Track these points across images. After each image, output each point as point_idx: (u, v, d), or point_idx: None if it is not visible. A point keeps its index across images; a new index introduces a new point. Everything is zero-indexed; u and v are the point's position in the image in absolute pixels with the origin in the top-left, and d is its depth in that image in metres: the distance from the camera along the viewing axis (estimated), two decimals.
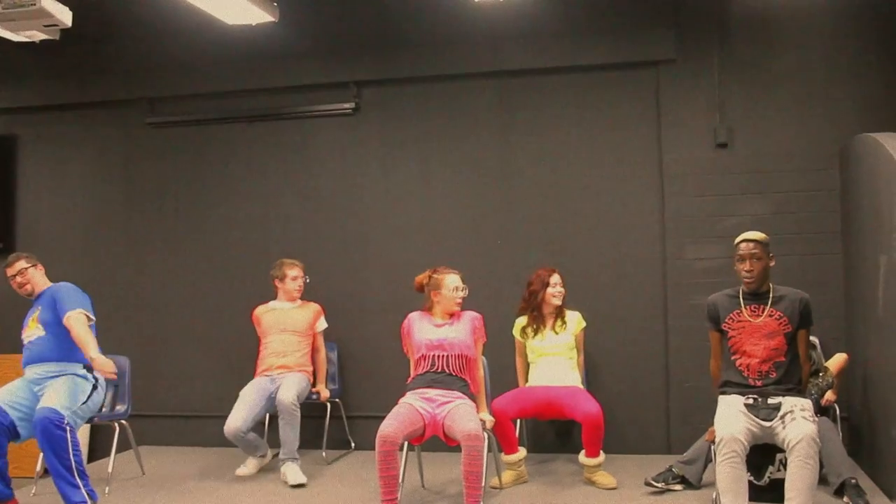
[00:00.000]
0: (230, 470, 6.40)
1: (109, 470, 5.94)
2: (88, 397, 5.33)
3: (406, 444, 5.11)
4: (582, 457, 5.70)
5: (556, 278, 6.04)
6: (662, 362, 6.56)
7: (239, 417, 6.06)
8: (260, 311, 6.65)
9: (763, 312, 4.69)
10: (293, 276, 6.60)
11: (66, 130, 7.67)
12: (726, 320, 4.77)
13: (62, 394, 5.17)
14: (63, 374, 5.31)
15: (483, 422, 5.13)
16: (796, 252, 6.34)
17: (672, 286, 6.54)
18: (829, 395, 5.51)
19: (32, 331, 5.46)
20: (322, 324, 6.67)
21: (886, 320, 5.21)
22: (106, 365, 5.10)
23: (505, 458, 5.74)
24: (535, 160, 6.86)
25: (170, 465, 6.65)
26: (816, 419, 4.58)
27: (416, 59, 7.00)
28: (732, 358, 4.72)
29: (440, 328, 5.25)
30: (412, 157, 7.08)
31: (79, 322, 5.26)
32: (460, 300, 5.32)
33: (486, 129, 6.95)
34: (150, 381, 7.03)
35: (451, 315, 5.32)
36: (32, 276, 5.54)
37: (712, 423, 4.72)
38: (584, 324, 6.11)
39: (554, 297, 6.00)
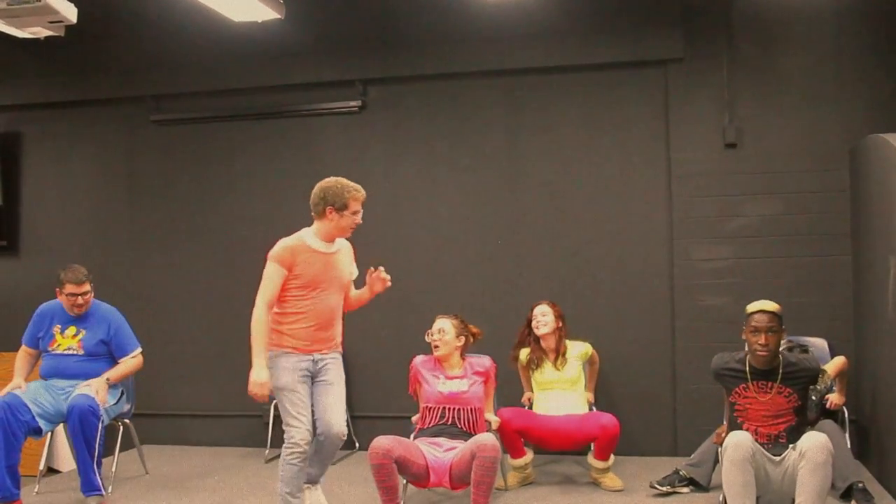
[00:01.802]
0: (233, 469, 6.41)
1: (113, 469, 5.96)
2: (117, 401, 5.68)
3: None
4: (591, 458, 5.71)
5: (540, 309, 5.93)
6: (669, 364, 6.55)
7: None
8: None
9: (771, 390, 4.56)
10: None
11: (70, 128, 7.67)
12: (732, 393, 4.64)
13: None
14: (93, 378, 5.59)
15: (489, 423, 5.12)
16: (805, 253, 6.32)
17: (679, 287, 6.54)
18: (837, 399, 5.48)
19: (68, 346, 5.66)
20: None
21: None
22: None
23: (512, 461, 5.73)
24: (542, 159, 6.85)
25: (173, 464, 6.67)
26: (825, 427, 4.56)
27: (423, 57, 6.98)
28: (739, 421, 4.63)
29: (451, 380, 5.22)
30: (418, 155, 7.08)
31: (138, 362, 5.79)
32: (436, 344, 5.25)
33: (492, 128, 6.94)
34: (153, 379, 7.03)
35: (447, 359, 5.26)
36: (91, 300, 5.72)
37: (719, 425, 4.72)
38: (591, 351, 6.05)
39: (537, 328, 5.89)
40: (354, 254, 5.01)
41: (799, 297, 6.19)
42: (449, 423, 5.09)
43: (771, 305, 4.59)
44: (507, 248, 6.88)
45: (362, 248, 7.06)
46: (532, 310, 5.98)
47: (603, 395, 5.84)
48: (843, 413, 5.71)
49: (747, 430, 4.56)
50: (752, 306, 4.62)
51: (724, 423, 4.89)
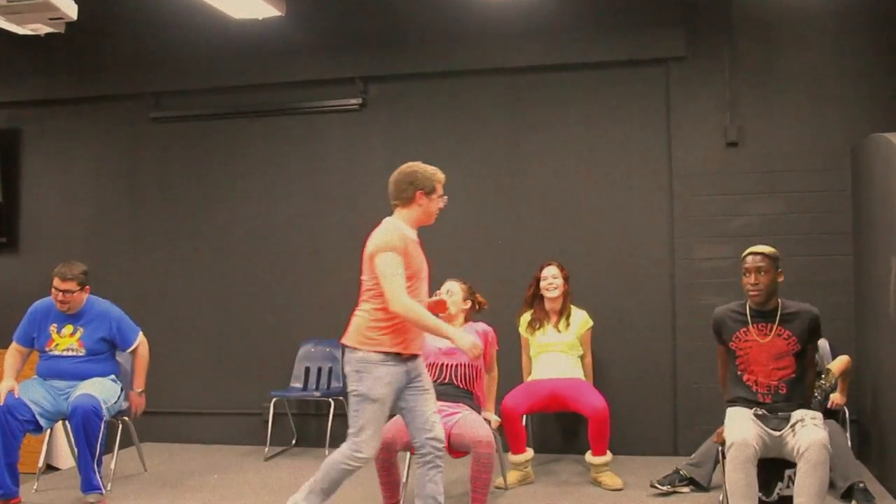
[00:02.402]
0: (232, 467, 6.41)
1: (112, 467, 5.95)
2: (116, 401, 5.63)
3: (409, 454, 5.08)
4: (589, 456, 5.72)
5: (549, 270, 6.03)
6: (670, 363, 6.55)
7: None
8: None
9: (771, 332, 4.57)
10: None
11: (70, 125, 7.65)
12: (732, 338, 4.66)
13: (98, 388, 5.47)
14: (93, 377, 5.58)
15: (489, 421, 5.12)
16: (807, 253, 6.32)
17: (680, 286, 6.54)
18: (838, 399, 5.48)
19: (68, 345, 5.62)
20: None
21: None
22: (142, 404, 5.78)
23: (512, 458, 5.73)
24: (543, 158, 6.84)
25: (172, 462, 6.67)
26: (827, 426, 4.54)
27: (424, 54, 6.98)
28: (739, 373, 4.64)
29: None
30: (418, 153, 6.87)
31: (145, 348, 5.77)
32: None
33: (493, 126, 6.94)
34: (153, 377, 6.94)
35: (461, 325, 5.26)
36: (79, 299, 5.65)
37: (720, 425, 4.72)
38: (590, 323, 6.14)
39: (547, 289, 5.99)
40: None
41: (800, 296, 6.01)
42: (446, 380, 5.08)
43: (762, 248, 4.63)
44: (506, 248, 6.88)
45: (361, 247, 7.09)
46: (540, 270, 6.04)
47: (603, 393, 5.80)
48: (845, 413, 5.72)
49: (747, 381, 4.57)
50: (746, 251, 4.68)
51: (720, 374, 4.84)
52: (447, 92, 7.02)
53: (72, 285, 5.54)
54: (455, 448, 4.89)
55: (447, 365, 5.13)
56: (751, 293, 4.59)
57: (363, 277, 4.29)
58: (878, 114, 6.25)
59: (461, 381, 5.12)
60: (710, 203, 6.51)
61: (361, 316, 4.25)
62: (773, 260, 4.60)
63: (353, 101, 7.10)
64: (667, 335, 6.57)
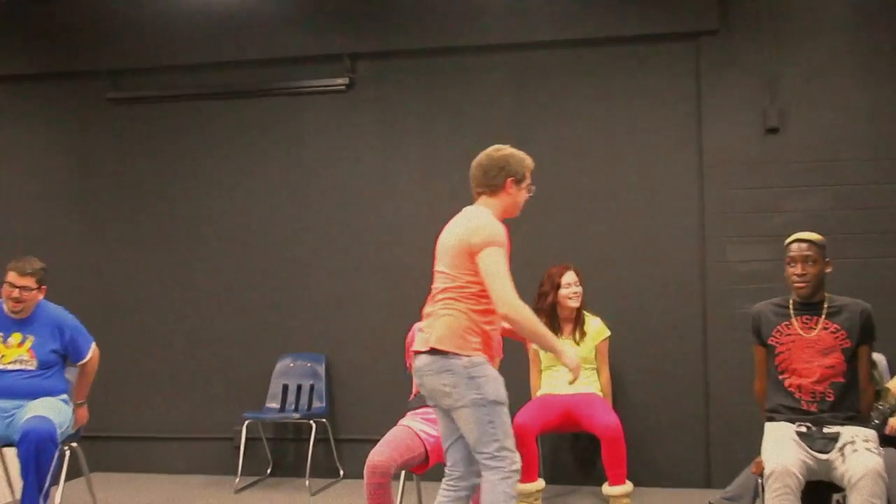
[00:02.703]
0: (198, 500, 6.35)
1: (57, 501, 5.79)
2: (68, 425, 5.53)
3: (404, 473, 4.99)
4: (606, 487, 5.70)
5: (569, 276, 6.06)
6: (701, 380, 6.50)
7: None
8: None
9: (817, 325, 4.54)
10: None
11: (14, 106, 7.59)
12: (773, 334, 4.63)
13: (52, 411, 5.35)
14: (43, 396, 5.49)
15: None
16: (858, 255, 6.27)
17: (712, 293, 6.49)
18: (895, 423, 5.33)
19: (16, 357, 5.51)
20: None
21: None
22: (86, 416, 5.70)
23: (520, 487, 5.63)
24: (555, 146, 6.80)
25: (127, 495, 6.57)
26: (882, 451, 4.41)
27: (420, 28, 6.95)
28: (781, 378, 4.58)
29: None
30: (414, 141, 7.05)
31: (96, 360, 5.68)
32: None
33: (499, 110, 6.91)
34: (106, 397, 6.99)
35: None
36: (35, 299, 5.56)
37: (760, 452, 4.57)
38: (607, 333, 6.12)
39: (569, 298, 6.03)
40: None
41: None
42: None
43: (809, 234, 4.63)
44: (513, 244, 6.73)
45: (349, 247, 7.03)
46: (560, 276, 6.04)
47: (623, 414, 5.83)
48: None
49: (789, 387, 4.53)
50: (791, 237, 4.68)
51: (757, 386, 4.77)
52: (445, 71, 6.99)
53: (30, 282, 5.46)
54: None
55: None
56: (796, 285, 4.56)
57: (446, 271, 4.18)
58: None
59: None
60: (747, 197, 6.47)
61: (456, 317, 4.07)
62: (820, 248, 4.59)
63: (339, 80, 7.08)
64: (697, 348, 6.51)
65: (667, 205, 6.64)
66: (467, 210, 4.29)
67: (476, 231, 4.11)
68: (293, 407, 6.84)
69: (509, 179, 4.31)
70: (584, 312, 6.10)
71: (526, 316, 4.03)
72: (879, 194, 6.29)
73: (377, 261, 7.03)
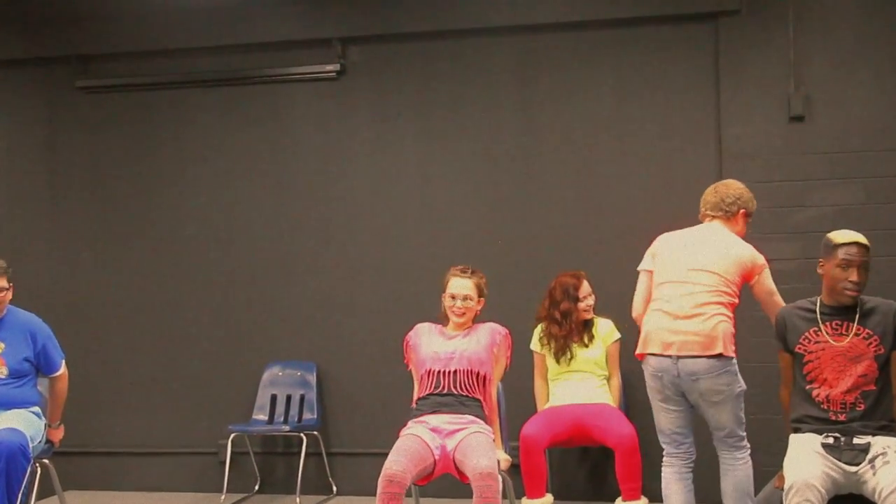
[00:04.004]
0: None
1: None
2: (41, 439, 5.56)
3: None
4: (619, 502, 5.71)
5: (585, 288, 6.14)
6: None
7: None
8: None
9: (849, 331, 4.51)
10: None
11: None
12: (800, 341, 4.61)
13: (24, 423, 5.37)
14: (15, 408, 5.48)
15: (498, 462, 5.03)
16: (890, 252, 6.28)
17: None
18: None
19: None
20: None
21: None
22: (61, 434, 5.75)
23: (528, 502, 5.71)
24: (562, 136, 6.82)
25: None
26: None
27: (416, 11, 6.96)
28: (808, 388, 4.57)
29: (451, 340, 5.19)
30: (410, 131, 7.06)
31: (66, 376, 5.71)
32: (461, 312, 5.19)
33: (501, 98, 6.92)
34: (80, 410, 6.93)
35: (465, 326, 5.25)
36: (6, 300, 5.57)
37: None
38: (618, 335, 6.18)
39: (585, 311, 6.12)
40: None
41: None
42: (445, 390, 5.06)
43: (859, 235, 4.62)
44: (517, 245, 6.88)
45: (340, 247, 7.04)
46: (575, 290, 6.11)
47: (639, 427, 5.82)
48: None
49: (817, 397, 4.52)
50: (841, 236, 4.64)
51: (782, 393, 4.83)
52: (444, 56, 7.00)
53: (3, 281, 5.49)
54: (462, 472, 4.89)
55: (445, 373, 5.09)
56: (849, 292, 4.53)
57: (728, 278, 4.98)
58: None
59: (462, 387, 5.08)
60: (771, 191, 6.45)
61: (727, 324, 4.95)
62: (870, 253, 4.61)
63: (330, 67, 7.08)
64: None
65: (683, 200, 6.48)
66: (714, 226, 5.25)
67: (747, 250, 5.09)
68: (282, 419, 6.84)
69: (742, 210, 5.24)
70: (595, 317, 6.16)
71: None
72: None
73: (371, 261, 7.02)
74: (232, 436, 6.68)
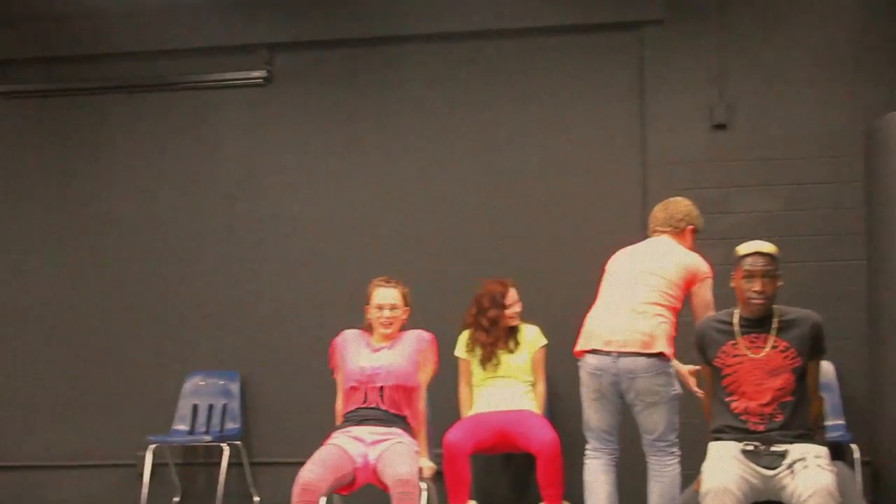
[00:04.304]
0: None
1: None
2: None
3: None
4: None
5: (512, 296, 6.13)
6: None
7: None
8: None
9: (766, 344, 4.51)
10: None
11: None
12: (719, 354, 4.60)
13: None
14: None
15: (420, 470, 4.99)
16: (810, 258, 6.36)
17: None
18: None
19: None
20: None
21: None
22: None
23: None
24: (488, 144, 6.85)
25: None
26: (834, 469, 4.46)
27: (344, 17, 6.97)
28: (727, 400, 4.58)
29: (376, 353, 5.17)
30: (338, 139, 7.07)
31: None
32: (388, 322, 5.19)
33: (427, 105, 6.95)
34: None
35: (391, 336, 5.24)
36: None
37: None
38: (543, 341, 6.18)
39: (511, 318, 6.11)
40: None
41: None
42: (372, 405, 5.08)
43: (768, 246, 4.59)
44: (443, 252, 6.87)
45: (268, 256, 6.98)
46: (502, 298, 6.09)
47: (559, 428, 5.83)
48: (854, 453, 5.74)
49: (735, 409, 4.53)
50: (744, 247, 4.62)
51: (705, 401, 4.82)
52: (374, 63, 7.01)
53: None
54: (383, 482, 4.88)
55: (371, 388, 5.09)
56: (754, 302, 4.52)
57: (672, 282, 5.09)
58: None
59: (390, 404, 5.09)
60: (692, 197, 6.22)
61: (668, 327, 5.06)
62: (777, 262, 4.58)
63: (256, 73, 7.07)
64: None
65: (608, 206, 6.67)
66: (663, 240, 5.37)
67: (693, 260, 5.22)
68: (204, 429, 6.78)
69: (690, 227, 5.40)
70: (520, 323, 6.16)
71: None
72: (833, 195, 6.38)
73: (296, 269, 6.99)
74: (151, 447, 6.57)
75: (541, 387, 6.13)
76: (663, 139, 6.59)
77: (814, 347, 4.55)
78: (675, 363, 5.16)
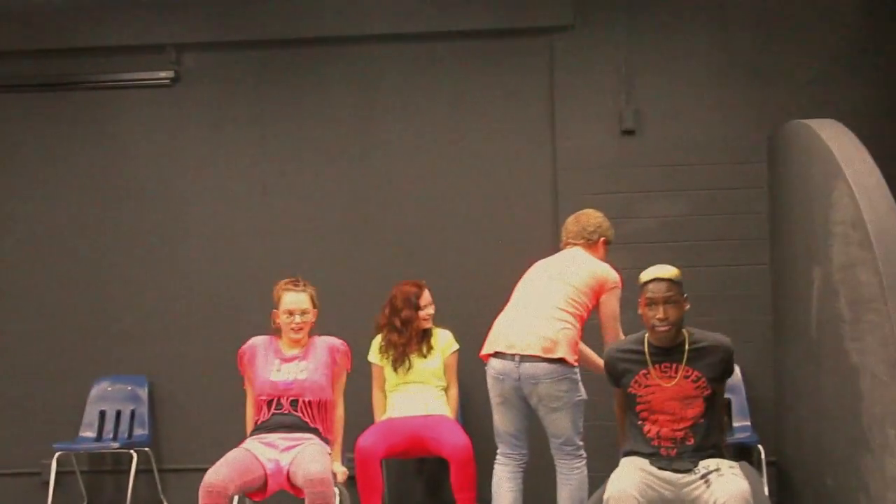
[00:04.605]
0: None
1: None
2: None
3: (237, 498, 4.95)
4: None
5: (426, 297, 6.12)
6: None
7: None
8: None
9: (677, 373, 4.52)
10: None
11: None
12: (632, 384, 4.61)
13: None
14: None
15: (334, 474, 4.98)
16: (715, 262, 6.46)
17: None
18: None
19: None
20: None
21: (821, 345, 5.28)
22: None
23: None
24: (400, 147, 6.86)
25: None
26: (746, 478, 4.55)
27: (252, 17, 6.92)
28: (639, 423, 4.60)
29: (288, 364, 5.10)
30: (246, 141, 7.01)
31: None
32: (299, 327, 5.13)
33: (339, 107, 6.93)
34: None
35: (302, 343, 5.18)
36: None
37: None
38: (456, 346, 6.19)
39: (425, 320, 6.10)
40: None
41: (707, 314, 6.22)
42: (286, 412, 5.03)
43: (668, 271, 4.54)
44: (358, 254, 6.87)
45: (174, 259, 6.91)
46: (417, 298, 6.07)
47: (471, 431, 5.86)
48: (760, 453, 5.81)
49: (648, 433, 4.55)
50: (645, 274, 4.59)
51: (618, 414, 4.85)
52: (282, 65, 6.98)
53: None
54: (294, 485, 4.86)
55: (285, 400, 5.05)
56: (658, 329, 4.51)
57: (579, 290, 5.12)
58: (799, 97, 6.46)
59: (306, 416, 5.05)
60: (602, 202, 6.44)
61: (572, 332, 5.08)
62: (680, 286, 4.54)
63: (163, 73, 7.00)
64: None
65: (520, 210, 6.71)
66: (577, 251, 5.41)
67: (604, 271, 5.25)
68: (111, 435, 6.70)
69: (602, 239, 5.45)
70: (433, 327, 6.16)
71: None
72: (737, 200, 6.49)
73: (205, 272, 6.90)
74: (56, 454, 6.48)
75: (453, 391, 6.15)
76: (573, 144, 6.64)
77: (724, 372, 4.59)
78: (587, 351, 5.30)
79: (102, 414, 6.77)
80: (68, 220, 7.03)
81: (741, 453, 5.58)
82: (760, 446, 5.85)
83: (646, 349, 4.58)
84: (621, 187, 6.58)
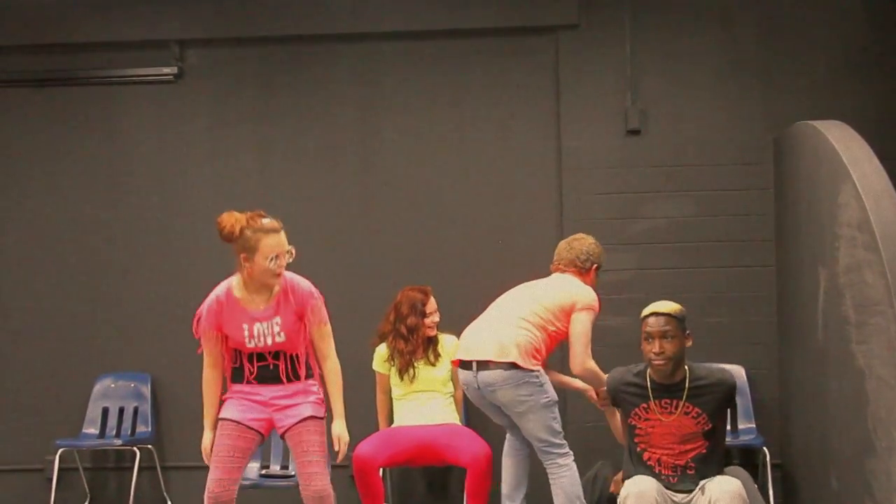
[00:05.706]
0: None
1: None
2: None
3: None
4: None
5: (432, 304, 6.03)
6: (560, 398, 6.51)
7: None
8: None
9: (677, 409, 4.57)
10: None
11: None
12: (632, 415, 4.67)
13: None
14: None
15: (339, 442, 4.72)
16: (721, 263, 6.47)
17: None
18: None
19: None
20: None
21: (827, 347, 5.29)
22: None
23: None
24: (404, 146, 6.87)
25: None
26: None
27: (256, 14, 6.92)
28: (639, 450, 4.65)
29: (260, 322, 4.73)
30: (249, 139, 7.00)
31: None
32: (280, 270, 4.66)
33: (342, 105, 6.93)
34: None
35: (272, 295, 4.74)
36: None
37: (617, 471, 4.81)
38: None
39: (430, 328, 6.01)
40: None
41: (713, 315, 6.29)
42: (265, 365, 4.77)
43: (667, 306, 4.59)
44: (358, 254, 6.86)
45: (177, 256, 6.91)
46: (423, 305, 5.96)
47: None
48: (765, 455, 5.84)
49: (648, 460, 4.60)
50: (646, 309, 4.65)
51: (615, 432, 5.05)
52: (285, 61, 6.98)
53: None
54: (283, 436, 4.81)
55: (264, 352, 4.75)
56: (655, 363, 4.55)
57: (546, 307, 5.23)
58: (806, 99, 6.46)
59: (286, 373, 4.75)
60: (607, 202, 6.61)
61: (529, 337, 5.13)
62: (680, 322, 4.58)
63: (167, 69, 7.00)
64: (555, 364, 6.45)
65: (524, 210, 6.71)
66: (562, 275, 5.53)
67: (579, 290, 5.36)
68: (114, 432, 6.71)
69: (595, 266, 5.57)
70: (438, 333, 6.05)
71: (593, 376, 5.30)
72: (743, 201, 6.50)
73: (208, 269, 6.80)
74: (60, 451, 6.50)
75: (458, 393, 6.04)
76: (578, 144, 6.63)
77: (726, 408, 4.66)
78: (560, 377, 5.48)
79: (105, 411, 6.78)
80: (71, 215, 7.03)
81: (746, 455, 5.59)
82: (765, 448, 5.85)
83: (648, 383, 4.63)
84: (626, 187, 6.58)
